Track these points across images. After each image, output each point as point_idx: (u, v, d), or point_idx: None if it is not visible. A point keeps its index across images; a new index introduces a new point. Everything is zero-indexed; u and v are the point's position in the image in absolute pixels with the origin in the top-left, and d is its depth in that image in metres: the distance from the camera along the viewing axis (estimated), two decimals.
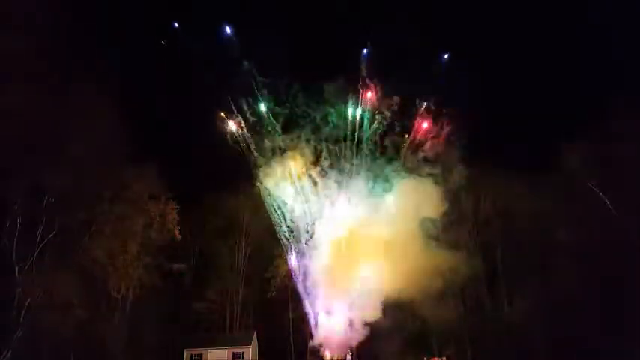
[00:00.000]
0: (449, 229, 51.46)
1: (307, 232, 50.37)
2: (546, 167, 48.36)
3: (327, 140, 49.81)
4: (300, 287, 51.50)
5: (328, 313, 49.64)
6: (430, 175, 49.24)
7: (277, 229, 50.88)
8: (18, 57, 37.70)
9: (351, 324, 48.80)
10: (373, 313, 47.76)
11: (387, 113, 48.82)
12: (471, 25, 60.79)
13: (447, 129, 49.20)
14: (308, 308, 51.13)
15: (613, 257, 39.92)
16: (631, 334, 38.34)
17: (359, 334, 48.74)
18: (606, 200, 43.46)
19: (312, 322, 50.71)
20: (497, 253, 54.69)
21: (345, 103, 49.00)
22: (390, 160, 50.38)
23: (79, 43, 42.18)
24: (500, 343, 49.27)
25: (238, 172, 52.46)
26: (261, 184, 49.66)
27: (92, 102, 43.67)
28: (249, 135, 48.81)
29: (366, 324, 48.27)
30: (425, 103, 48.99)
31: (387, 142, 49.86)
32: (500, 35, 59.24)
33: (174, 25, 45.10)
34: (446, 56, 47.82)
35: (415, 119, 49.74)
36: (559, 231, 47.05)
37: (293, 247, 50.93)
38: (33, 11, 38.03)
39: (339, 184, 50.41)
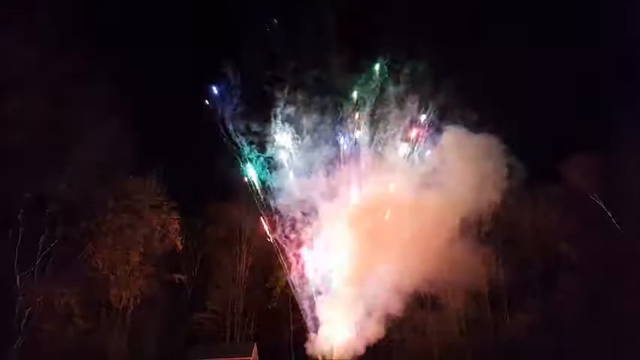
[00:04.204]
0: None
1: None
2: (548, 178, 48.23)
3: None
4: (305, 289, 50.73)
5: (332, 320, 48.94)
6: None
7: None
8: (19, 64, 37.93)
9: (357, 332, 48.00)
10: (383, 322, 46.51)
11: None
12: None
13: None
14: (309, 316, 50.61)
15: (615, 272, 39.70)
16: (633, 350, 38.04)
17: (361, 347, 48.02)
18: (609, 214, 43.34)
19: (312, 327, 50.31)
20: (498, 265, 54.12)
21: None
22: None
23: (81, 49, 42.35)
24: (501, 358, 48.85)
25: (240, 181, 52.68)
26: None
27: (94, 110, 43.90)
28: None
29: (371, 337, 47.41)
30: None
31: None
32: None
33: None
34: None
35: None
36: (561, 245, 46.81)
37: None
38: (33, 15, 38.26)
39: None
